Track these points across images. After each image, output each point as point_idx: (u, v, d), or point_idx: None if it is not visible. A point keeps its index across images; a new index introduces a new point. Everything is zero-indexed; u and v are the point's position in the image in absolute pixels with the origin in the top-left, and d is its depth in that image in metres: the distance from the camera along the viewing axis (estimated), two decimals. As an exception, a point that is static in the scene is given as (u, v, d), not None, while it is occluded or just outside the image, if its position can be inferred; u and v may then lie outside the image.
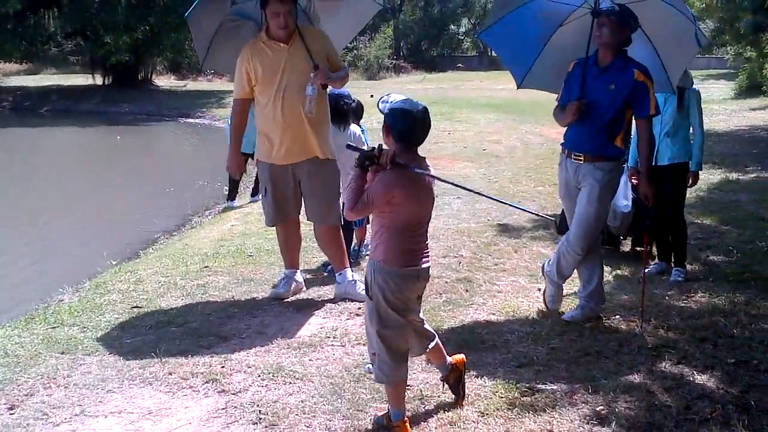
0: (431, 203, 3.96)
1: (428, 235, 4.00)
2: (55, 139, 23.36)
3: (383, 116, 3.87)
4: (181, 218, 11.81)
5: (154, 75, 40.40)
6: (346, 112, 6.79)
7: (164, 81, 40.96)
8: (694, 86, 6.81)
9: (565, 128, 5.69)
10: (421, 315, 4.12)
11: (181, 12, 30.54)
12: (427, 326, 4.17)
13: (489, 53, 56.19)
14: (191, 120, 28.32)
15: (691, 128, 6.81)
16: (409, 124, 3.78)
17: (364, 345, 5.06)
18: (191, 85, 39.86)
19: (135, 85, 36.12)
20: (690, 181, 6.86)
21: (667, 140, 6.65)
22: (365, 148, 7.04)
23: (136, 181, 15.96)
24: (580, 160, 5.51)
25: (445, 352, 4.27)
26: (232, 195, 11.69)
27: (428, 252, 3.97)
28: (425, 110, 3.82)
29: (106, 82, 36.90)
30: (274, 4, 5.72)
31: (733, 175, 12.13)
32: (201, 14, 6.14)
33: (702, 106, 6.85)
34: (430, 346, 4.15)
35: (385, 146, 3.86)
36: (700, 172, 6.94)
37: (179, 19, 32.16)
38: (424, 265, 3.92)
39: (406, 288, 3.88)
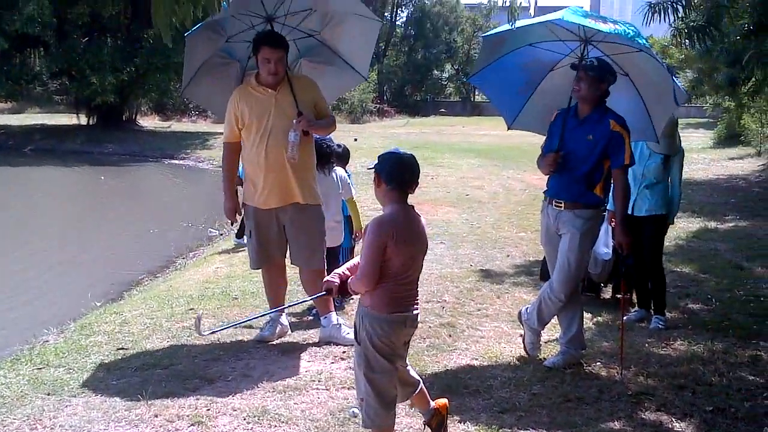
0: (421, 251, 4.04)
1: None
2: (38, 178, 23.29)
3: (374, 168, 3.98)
4: (165, 260, 11.79)
5: (138, 115, 40.45)
6: (328, 154, 6.89)
7: (148, 122, 41.00)
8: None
9: (548, 176, 5.83)
10: (406, 360, 4.19)
11: (167, 53, 30.71)
12: (412, 372, 4.23)
13: (472, 99, 56.82)
14: (175, 161, 28.33)
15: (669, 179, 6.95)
16: (395, 164, 3.91)
17: (348, 389, 5.13)
18: (175, 126, 39.89)
19: (119, 126, 36.10)
20: None
21: (645, 192, 6.79)
22: (353, 191, 7.22)
23: (120, 222, 15.91)
24: (560, 207, 5.65)
25: (428, 396, 4.33)
26: (240, 232, 10.67)
27: (417, 299, 4.04)
28: (412, 156, 3.97)
29: (91, 122, 36.88)
30: (266, 50, 5.87)
31: (712, 224, 12.29)
32: (198, 39, 6.20)
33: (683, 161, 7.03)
34: (414, 393, 4.21)
35: (331, 278, 4.06)
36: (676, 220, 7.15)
37: (165, 60, 32.42)
38: (412, 312, 3.97)
39: (393, 334, 3.92)
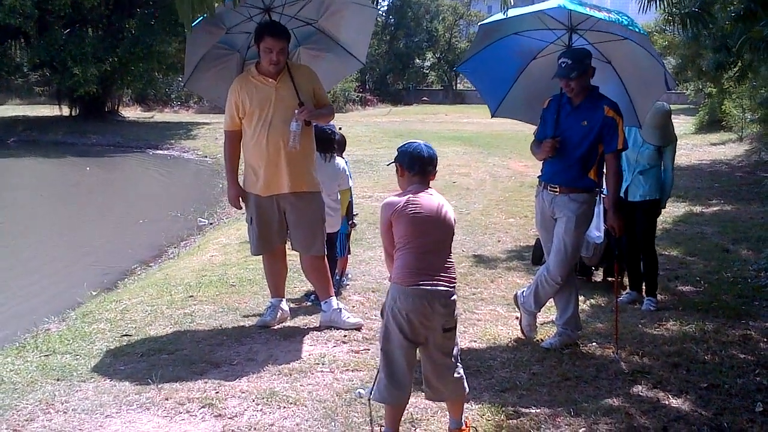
0: (435, 227, 4.09)
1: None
2: (22, 170, 23.24)
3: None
4: (156, 249, 11.87)
5: (120, 106, 40.32)
6: (331, 140, 6.95)
7: (131, 112, 40.92)
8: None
9: (542, 161, 5.95)
10: (451, 358, 4.16)
11: (148, 43, 30.57)
12: (457, 372, 4.17)
13: (454, 87, 56.93)
14: (160, 151, 28.31)
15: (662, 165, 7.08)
16: (414, 153, 4.19)
17: (352, 371, 5.26)
18: (158, 116, 39.89)
19: (102, 117, 36.02)
20: None
21: (639, 178, 6.92)
22: (350, 182, 7.32)
23: (109, 212, 15.96)
24: (556, 191, 5.76)
25: (462, 410, 4.32)
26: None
27: (448, 276, 4.05)
28: (427, 144, 4.26)
29: (73, 113, 36.77)
30: (269, 40, 5.93)
31: (697, 208, 12.47)
32: (199, 33, 6.15)
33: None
34: (450, 400, 4.24)
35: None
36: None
37: (146, 50, 32.34)
38: (436, 288, 3.97)
39: (413, 308, 3.93)
